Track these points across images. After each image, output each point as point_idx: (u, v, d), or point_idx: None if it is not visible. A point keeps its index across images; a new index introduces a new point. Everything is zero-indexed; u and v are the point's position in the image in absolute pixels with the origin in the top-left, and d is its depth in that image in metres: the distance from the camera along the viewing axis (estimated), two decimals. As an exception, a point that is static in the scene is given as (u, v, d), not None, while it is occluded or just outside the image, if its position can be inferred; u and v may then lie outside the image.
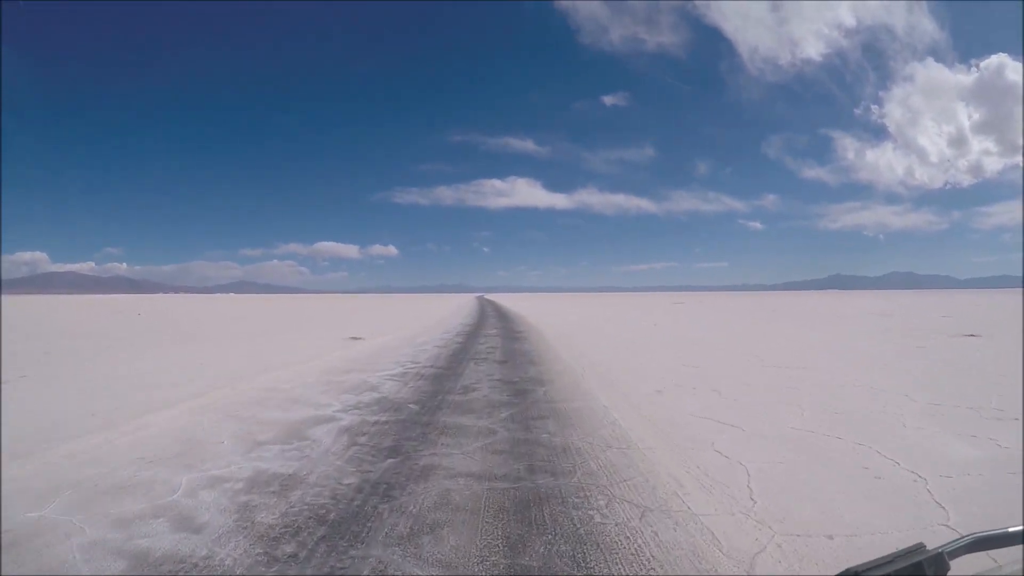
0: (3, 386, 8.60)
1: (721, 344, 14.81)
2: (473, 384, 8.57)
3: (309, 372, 10.19)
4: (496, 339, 16.40)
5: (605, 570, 2.92)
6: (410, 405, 7.11)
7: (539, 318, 29.42)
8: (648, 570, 2.91)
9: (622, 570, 2.90)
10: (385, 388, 8.37)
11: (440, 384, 8.63)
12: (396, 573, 2.90)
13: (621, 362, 11.16)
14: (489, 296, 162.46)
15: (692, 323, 24.11)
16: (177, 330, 22.75)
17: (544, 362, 11.07)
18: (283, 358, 12.39)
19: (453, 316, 32.41)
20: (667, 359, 11.65)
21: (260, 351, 14.05)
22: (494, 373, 9.66)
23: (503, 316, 31.65)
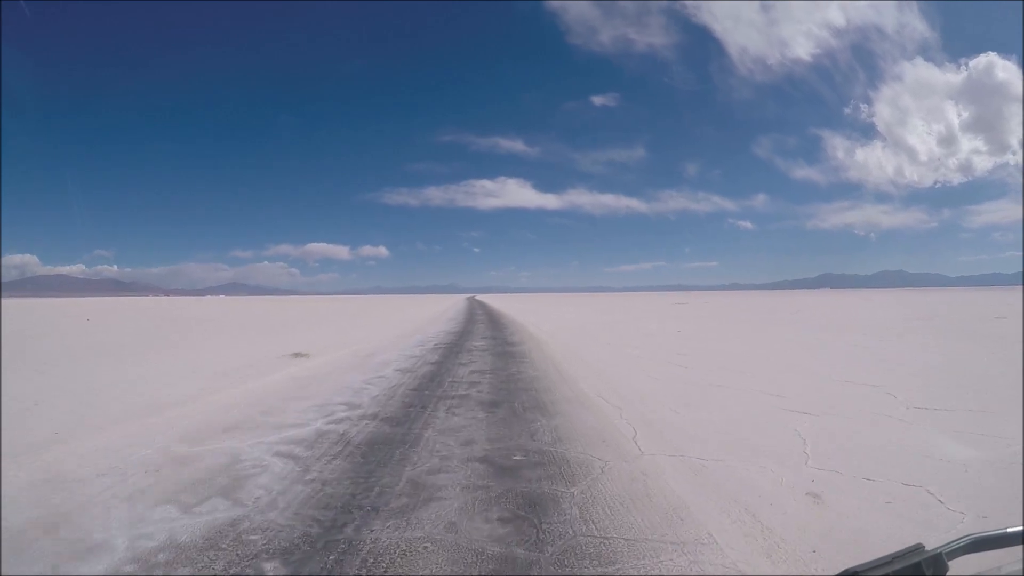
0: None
1: (800, 367, 10.64)
2: (431, 476, 4.36)
3: (159, 432, 5.97)
4: (484, 356, 12.27)
5: None
6: None
7: (536, 323, 25.29)
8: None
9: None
10: (254, 488, 4.18)
11: (368, 476, 4.38)
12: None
13: (685, 406, 6.97)
14: (480, 297, 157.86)
15: (719, 329, 20.04)
16: (98, 339, 18.33)
17: (562, 408, 6.86)
18: (165, 393, 8.15)
19: (436, 320, 28.21)
20: (745, 396, 7.52)
21: (155, 376, 9.80)
22: (476, 438, 5.48)
23: (494, 321, 27.40)
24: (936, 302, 47.23)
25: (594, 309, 46.99)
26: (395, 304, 75.69)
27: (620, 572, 2.85)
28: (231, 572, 2.99)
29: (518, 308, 50.19)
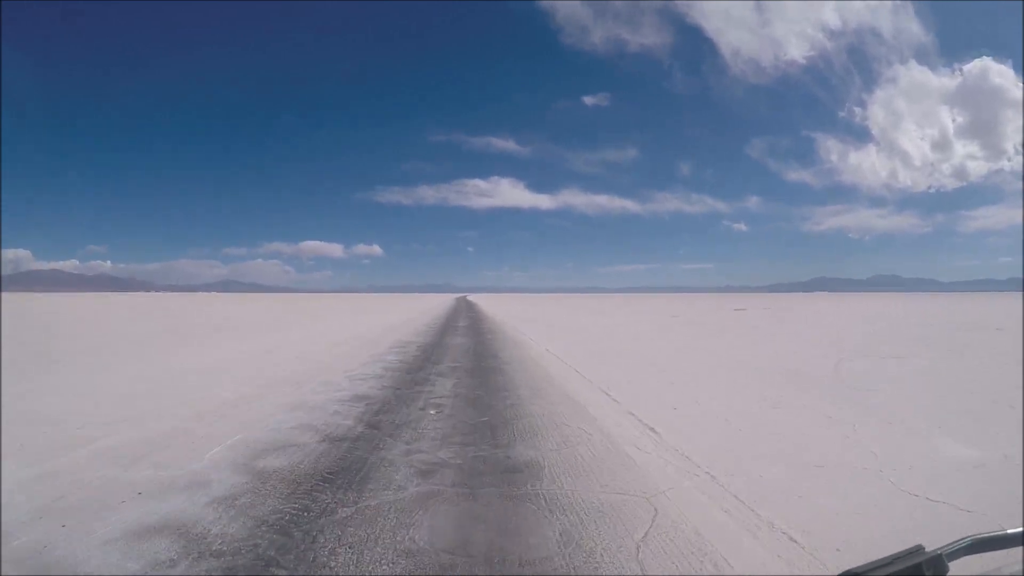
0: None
1: None
2: None
3: None
4: (466, 441, 4.24)
5: None
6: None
7: (544, 338, 17.22)
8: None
9: None
10: None
11: None
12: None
13: None
14: (472, 297, 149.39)
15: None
16: None
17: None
18: None
19: (413, 322, 19.91)
20: None
21: None
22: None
23: (484, 338, 19.42)
24: (977, 309, 38.91)
25: (610, 314, 37.84)
26: (380, 304, 66.40)
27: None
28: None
29: (513, 312, 41.37)
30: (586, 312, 43.24)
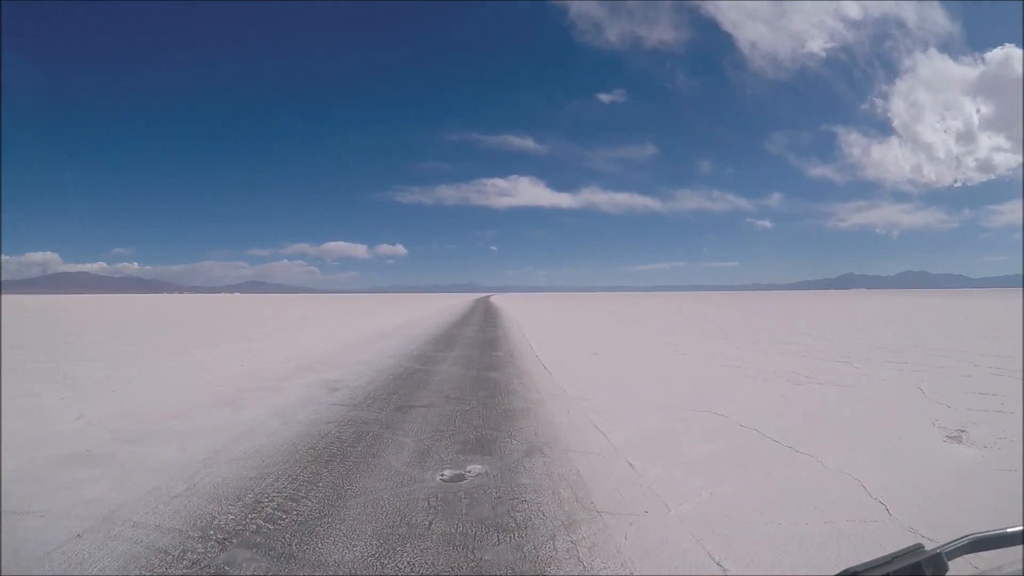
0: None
1: None
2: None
3: None
4: None
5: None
6: None
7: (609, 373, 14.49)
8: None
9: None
10: None
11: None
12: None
13: None
14: (495, 297, 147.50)
15: None
16: None
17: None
18: None
19: (410, 329, 17.87)
20: None
21: None
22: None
23: (497, 368, 15.33)
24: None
25: (660, 320, 31.56)
26: (393, 305, 64.21)
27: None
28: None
29: (541, 316, 37.29)
30: (613, 313, 37.68)
